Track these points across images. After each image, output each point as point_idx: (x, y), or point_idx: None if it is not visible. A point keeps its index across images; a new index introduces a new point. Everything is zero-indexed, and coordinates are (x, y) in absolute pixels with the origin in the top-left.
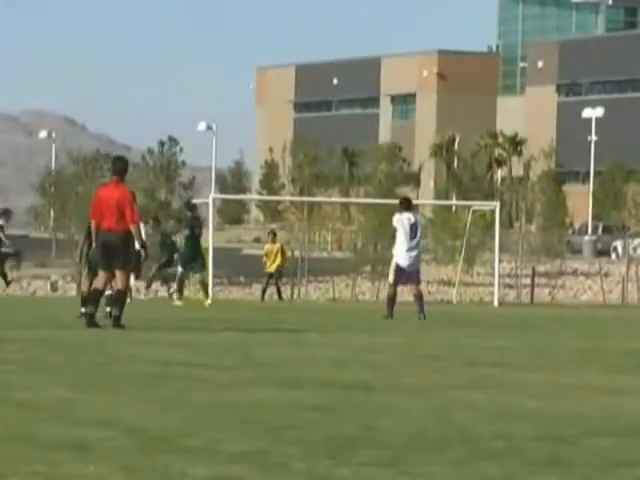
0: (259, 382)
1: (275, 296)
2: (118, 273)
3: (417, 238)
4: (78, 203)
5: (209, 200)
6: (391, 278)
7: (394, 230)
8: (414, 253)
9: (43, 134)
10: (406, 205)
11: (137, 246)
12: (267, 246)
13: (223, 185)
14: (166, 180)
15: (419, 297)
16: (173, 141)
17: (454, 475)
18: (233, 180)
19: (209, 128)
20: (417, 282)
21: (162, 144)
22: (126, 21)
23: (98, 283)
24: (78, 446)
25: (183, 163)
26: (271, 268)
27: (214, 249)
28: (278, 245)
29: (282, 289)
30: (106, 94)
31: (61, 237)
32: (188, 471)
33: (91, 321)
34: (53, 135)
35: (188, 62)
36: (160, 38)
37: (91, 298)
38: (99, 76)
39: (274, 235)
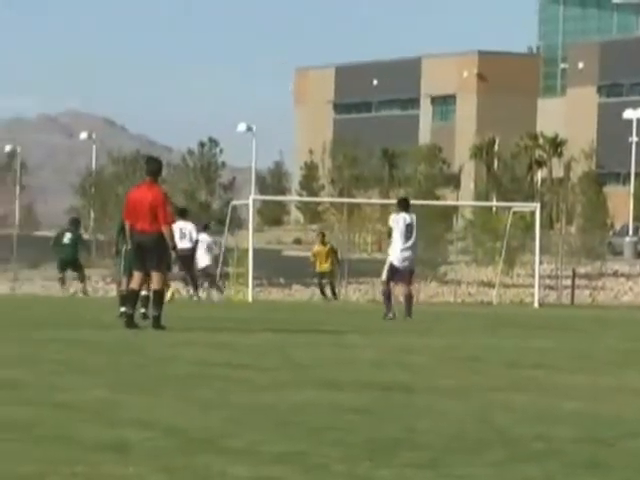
0: (299, 383)
1: (322, 295)
2: (153, 274)
3: (412, 239)
4: (118, 204)
5: (249, 201)
6: (384, 276)
7: (390, 230)
8: (408, 253)
9: (83, 135)
10: (404, 205)
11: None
12: (316, 247)
13: (263, 186)
14: (206, 181)
15: (409, 298)
16: (213, 142)
17: (493, 477)
18: (273, 181)
19: (249, 129)
20: (408, 282)
21: (202, 145)
22: (164, 22)
23: (133, 284)
24: (118, 447)
25: (223, 164)
26: (322, 268)
27: (254, 250)
28: (329, 246)
29: (326, 290)
30: (146, 95)
31: (101, 238)
32: (228, 471)
33: (130, 322)
34: (93, 136)
35: (228, 63)
36: (200, 39)
37: (128, 299)
38: (139, 77)
39: (323, 236)
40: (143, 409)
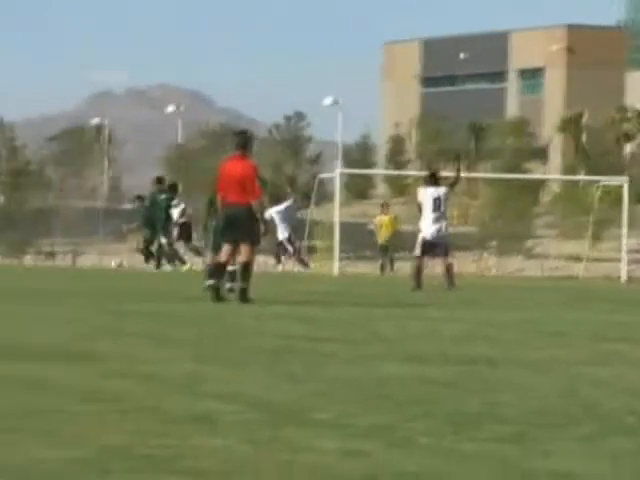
0: (384, 357)
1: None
2: (243, 246)
3: (441, 211)
4: (205, 178)
5: (336, 175)
6: (417, 251)
7: (419, 204)
8: (438, 226)
9: (170, 108)
10: (431, 179)
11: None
12: (378, 217)
13: (349, 160)
14: (293, 155)
15: (448, 269)
16: (300, 116)
17: (582, 451)
18: (359, 155)
19: (335, 103)
20: (445, 254)
21: (289, 119)
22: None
23: (222, 256)
24: (205, 419)
25: (310, 138)
26: (383, 238)
27: (340, 224)
28: (390, 216)
29: (391, 261)
30: (234, 69)
31: (188, 211)
32: (314, 444)
33: (216, 295)
34: (180, 109)
35: (315, 37)
36: (288, 12)
37: (216, 272)
38: (226, 50)
39: (387, 206)
40: (229, 382)
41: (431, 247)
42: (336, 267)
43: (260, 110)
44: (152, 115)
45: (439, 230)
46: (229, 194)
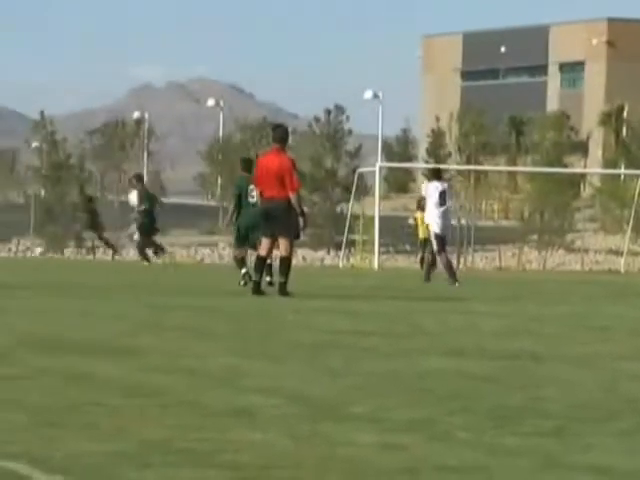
0: (425, 351)
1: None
2: (281, 240)
3: (446, 205)
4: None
5: (376, 168)
6: (435, 247)
7: (421, 198)
8: (444, 220)
9: (211, 102)
10: (436, 174)
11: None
12: (418, 213)
13: (389, 153)
14: (332, 148)
15: (433, 263)
16: (340, 109)
17: (622, 446)
18: (399, 148)
19: (375, 96)
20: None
21: (329, 112)
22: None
23: (262, 250)
24: (244, 413)
25: (349, 131)
26: (423, 234)
27: (380, 217)
28: None
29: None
30: (274, 63)
31: (228, 205)
32: (353, 438)
33: (257, 289)
34: (221, 103)
35: (355, 31)
36: (327, 7)
37: (256, 266)
38: (267, 44)
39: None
40: (269, 376)
41: (443, 240)
42: (376, 261)
43: (300, 104)
44: (192, 109)
45: (446, 225)
46: (267, 188)
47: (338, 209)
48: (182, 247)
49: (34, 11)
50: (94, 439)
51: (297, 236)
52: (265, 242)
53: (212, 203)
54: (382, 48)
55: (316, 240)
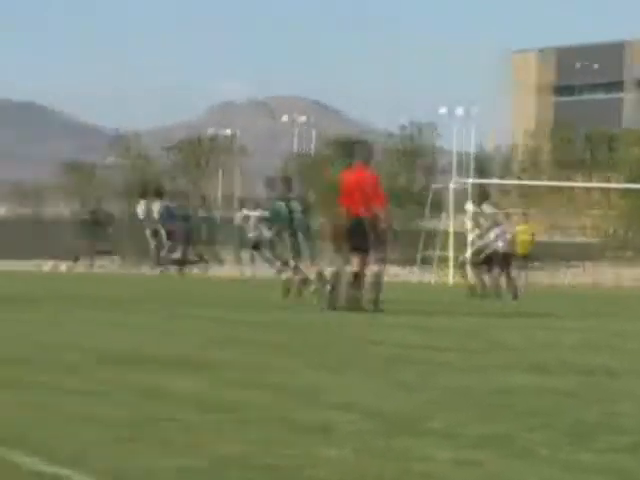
0: (502, 366)
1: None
2: (371, 256)
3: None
4: (329, 187)
5: (451, 185)
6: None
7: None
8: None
9: (290, 118)
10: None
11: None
12: (518, 227)
13: (466, 170)
14: (410, 164)
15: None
16: (424, 125)
17: None
18: (477, 164)
19: (453, 112)
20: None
21: (406, 128)
22: (376, 10)
23: (353, 267)
24: (320, 429)
25: (435, 147)
26: (520, 251)
27: (456, 234)
28: (526, 226)
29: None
30: (355, 78)
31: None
32: (429, 454)
33: (357, 305)
34: (300, 119)
35: (435, 46)
36: (408, 22)
37: (352, 283)
38: (348, 60)
39: (525, 217)
40: (344, 391)
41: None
42: (451, 276)
43: (385, 120)
44: (272, 124)
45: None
46: (353, 205)
47: (419, 225)
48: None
49: (115, 29)
50: (170, 454)
51: (385, 251)
52: (355, 258)
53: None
54: (467, 62)
55: (398, 256)
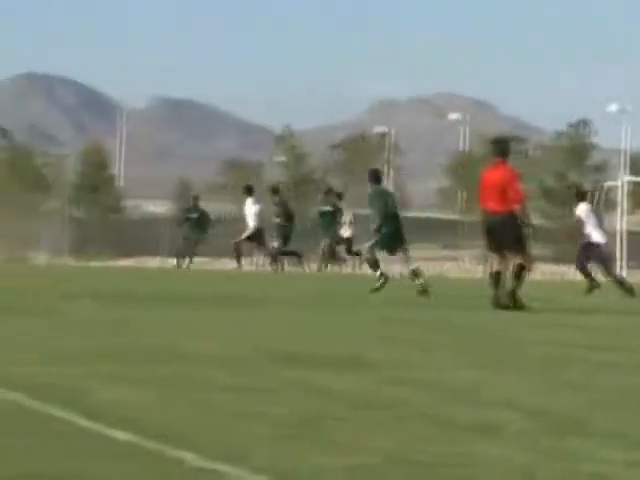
0: None
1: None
2: (510, 253)
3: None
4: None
5: (620, 183)
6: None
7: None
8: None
9: (453, 116)
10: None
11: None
12: None
13: (635, 168)
14: (577, 162)
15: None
16: (584, 123)
17: None
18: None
19: (622, 109)
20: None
21: (573, 126)
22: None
23: (493, 266)
24: (482, 427)
25: (594, 145)
26: None
27: (627, 232)
28: None
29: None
30: (518, 77)
31: (470, 219)
32: (597, 454)
33: (496, 303)
34: (464, 117)
35: (600, 41)
36: (568, 22)
37: (492, 281)
38: (511, 58)
39: None
40: (506, 390)
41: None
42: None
43: (543, 117)
44: (435, 123)
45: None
46: (489, 202)
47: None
48: (425, 260)
49: (275, 33)
50: (334, 453)
51: (524, 247)
52: (494, 257)
53: (454, 217)
54: (625, 60)
55: (560, 255)
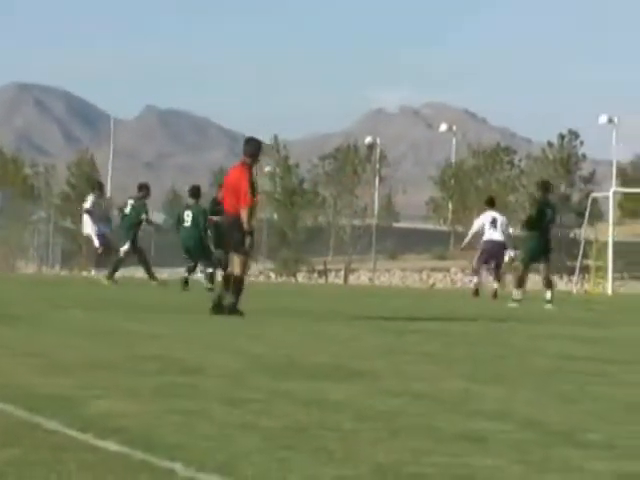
0: None
1: None
2: (233, 257)
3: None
4: (478, 196)
5: (609, 194)
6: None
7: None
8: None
9: (443, 127)
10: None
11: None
12: None
13: (624, 179)
14: (566, 173)
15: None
16: (573, 134)
17: None
18: (634, 173)
19: (610, 121)
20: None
21: (562, 137)
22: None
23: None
24: (476, 438)
25: (583, 156)
26: None
27: (614, 243)
28: None
29: None
30: (507, 88)
31: (460, 230)
32: (586, 466)
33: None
34: (453, 128)
35: (589, 56)
36: (559, 33)
37: (222, 284)
38: (495, 69)
39: None
40: (500, 401)
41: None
42: (610, 287)
43: (533, 128)
44: (426, 133)
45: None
46: (225, 203)
47: (571, 234)
48: (414, 272)
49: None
50: (326, 463)
51: (245, 252)
52: (226, 258)
53: (444, 228)
54: (617, 72)
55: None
